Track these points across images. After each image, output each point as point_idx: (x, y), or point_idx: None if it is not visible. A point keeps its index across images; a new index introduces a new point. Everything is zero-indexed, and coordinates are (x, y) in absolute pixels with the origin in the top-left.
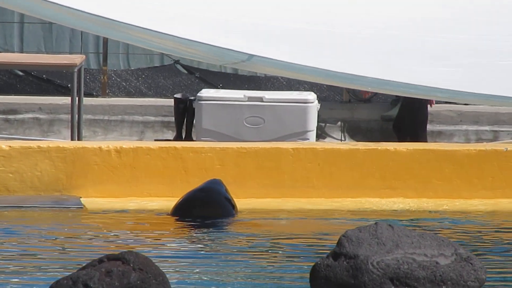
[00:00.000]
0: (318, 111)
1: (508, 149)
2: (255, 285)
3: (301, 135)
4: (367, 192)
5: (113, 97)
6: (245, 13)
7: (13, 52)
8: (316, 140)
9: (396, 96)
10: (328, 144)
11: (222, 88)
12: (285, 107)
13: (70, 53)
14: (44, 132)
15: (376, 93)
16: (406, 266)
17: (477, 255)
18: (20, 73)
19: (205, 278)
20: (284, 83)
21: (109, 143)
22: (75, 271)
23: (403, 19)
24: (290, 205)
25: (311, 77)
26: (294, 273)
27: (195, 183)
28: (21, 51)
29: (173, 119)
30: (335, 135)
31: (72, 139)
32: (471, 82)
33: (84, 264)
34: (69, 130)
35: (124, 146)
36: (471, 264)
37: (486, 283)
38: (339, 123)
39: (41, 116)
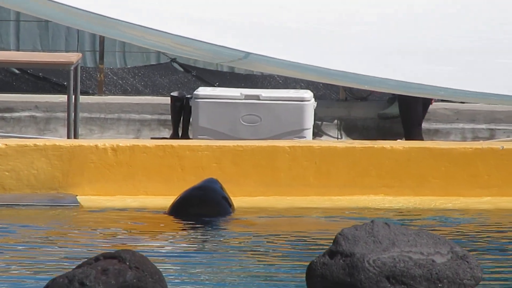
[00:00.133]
0: (314, 109)
1: (505, 147)
2: (252, 284)
3: (298, 133)
4: (364, 190)
5: (110, 95)
6: (242, 11)
7: (9, 50)
8: (313, 138)
9: (393, 94)
10: (324, 142)
11: (218, 87)
12: (282, 105)
13: (66, 51)
14: (41, 130)
15: (372, 91)
16: (402, 264)
17: (473, 253)
18: (16, 71)
19: (202, 277)
20: (281, 81)
21: (105, 141)
22: (71, 269)
23: (400, 16)
24: (287, 203)
25: (308, 75)
26: (291, 271)
27: (192, 181)
28: (17, 49)
29: (169, 117)
30: (332, 133)
31: (68, 137)
32: (468, 81)
33: (80, 262)
34: (66, 128)
35: (120, 144)
36: (467, 262)
37: (482, 281)
38: (336, 121)
39: (37, 114)
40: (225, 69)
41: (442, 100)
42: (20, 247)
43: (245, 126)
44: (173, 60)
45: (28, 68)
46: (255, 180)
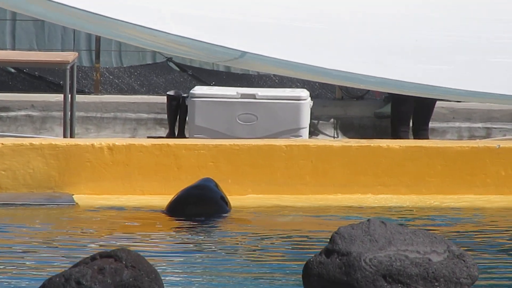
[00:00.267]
0: (311, 108)
1: (501, 146)
2: (248, 282)
3: (294, 132)
4: (360, 189)
5: (106, 94)
6: (238, 10)
7: (5, 49)
8: (309, 137)
9: (389, 93)
10: (321, 141)
11: (214, 86)
12: (278, 104)
13: (62, 50)
14: (37, 130)
15: (368, 90)
16: (398, 263)
17: (469, 252)
18: (12, 71)
19: (198, 275)
20: (277, 81)
21: (101, 140)
22: (67, 268)
23: (396, 16)
24: (283, 202)
25: (304, 74)
26: (287, 270)
27: (188, 180)
28: (13, 48)
29: (166, 116)
30: (328, 132)
31: (64, 136)
32: (464, 80)
33: (76, 262)
34: (62, 128)
35: (116, 143)
36: (464, 261)
37: (478, 280)
38: (332, 120)
39: (33, 114)
40: (221, 69)
41: (438, 99)
42: (16, 246)
43: (241, 125)
44: (169, 59)
45: (24, 67)
46: (251, 179)
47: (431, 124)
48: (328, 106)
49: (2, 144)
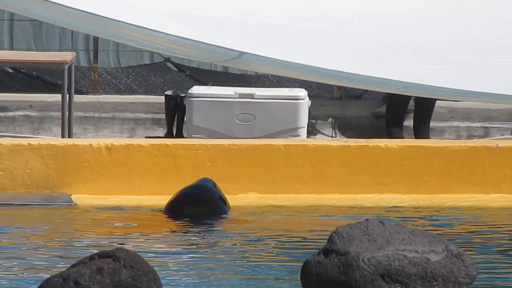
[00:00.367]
0: (309, 108)
1: (499, 145)
2: (247, 282)
3: (292, 131)
4: (358, 189)
5: (104, 94)
6: (236, 10)
7: (3, 49)
8: (307, 137)
9: (387, 92)
10: (319, 140)
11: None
12: (276, 104)
13: (60, 50)
14: (35, 130)
15: (366, 90)
16: (397, 262)
17: (467, 251)
18: (10, 71)
19: (197, 276)
20: (275, 81)
21: (99, 141)
22: (66, 268)
23: (394, 16)
24: (281, 201)
25: (302, 75)
26: (285, 270)
27: (186, 180)
28: (11, 48)
29: (164, 116)
30: (326, 132)
31: (62, 136)
32: (465, 80)
33: (74, 262)
34: (60, 128)
35: (115, 143)
36: (462, 260)
37: (476, 280)
38: (330, 119)
39: (31, 114)
40: (219, 69)
41: (437, 99)
42: (14, 247)
43: (239, 124)
44: (167, 59)
45: (22, 67)
46: (249, 178)
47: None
48: (326, 105)
49: (0, 144)
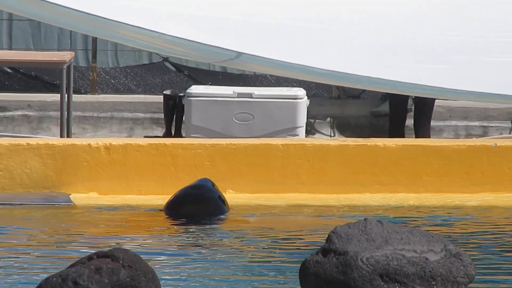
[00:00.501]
0: (307, 107)
1: (498, 144)
2: (245, 282)
3: (291, 131)
4: (357, 188)
5: (102, 94)
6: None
7: (2, 49)
8: (306, 136)
9: (387, 92)
10: (317, 140)
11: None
12: (275, 103)
13: (59, 50)
14: (34, 129)
15: (365, 89)
16: (395, 262)
17: (466, 250)
18: (9, 71)
19: (195, 275)
20: (273, 81)
21: (98, 140)
22: (64, 268)
23: (392, 15)
24: (280, 201)
25: (300, 75)
26: (284, 270)
27: (185, 180)
28: (10, 48)
29: (162, 115)
30: (325, 131)
31: (61, 136)
32: (465, 80)
33: (73, 262)
34: (59, 127)
35: (113, 143)
36: (461, 260)
37: (475, 279)
38: (329, 119)
39: (30, 113)
40: (217, 69)
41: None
42: (13, 247)
43: (238, 124)
44: (166, 59)
45: (21, 67)
46: (248, 178)
47: None
48: (325, 105)
49: None
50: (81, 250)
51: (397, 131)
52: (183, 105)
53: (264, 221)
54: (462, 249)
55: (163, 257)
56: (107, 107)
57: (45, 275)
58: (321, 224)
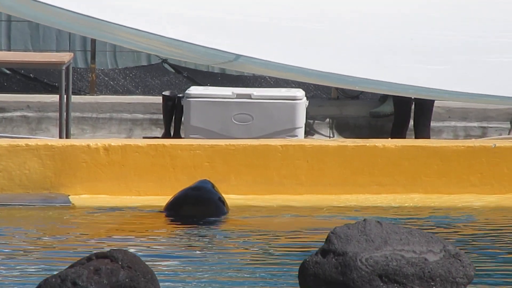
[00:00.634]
0: (306, 108)
1: (497, 145)
2: (245, 283)
3: (290, 132)
4: (356, 189)
5: (101, 94)
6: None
7: (0, 50)
8: (305, 137)
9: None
10: (316, 141)
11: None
12: (274, 104)
13: (57, 51)
14: (33, 130)
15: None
16: (394, 262)
17: (465, 251)
18: (8, 72)
19: (194, 276)
20: (272, 82)
21: (97, 141)
22: (63, 269)
23: (394, 16)
24: (279, 202)
25: (299, 76)
26: (283, 270)
27: (184, 181)
28: (9, 49)
29: (161, 116)
30: (324, 132)
31: (60, 137)
32: (463, 80)
33: (72, 262)
34: (58, 128)
35: (112, 144)
36: (460, 260)
37: (474, 280)
38: (328, 120)
39: (29, 114)
40: (216, 70)
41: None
42: (12, 247)
43: (237, 125)
44: (164, 61)
45: (20, 68)
46: (247, 179)
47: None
48: (324, 105)
49: None
50: (80, 251)
51: (399, 131)
52: (182, 106)
53: (263, 222)
54: (461, 249)
55: (162, 258)
56: (106, 108)
57: (44, 276)
58: (320, 225)
